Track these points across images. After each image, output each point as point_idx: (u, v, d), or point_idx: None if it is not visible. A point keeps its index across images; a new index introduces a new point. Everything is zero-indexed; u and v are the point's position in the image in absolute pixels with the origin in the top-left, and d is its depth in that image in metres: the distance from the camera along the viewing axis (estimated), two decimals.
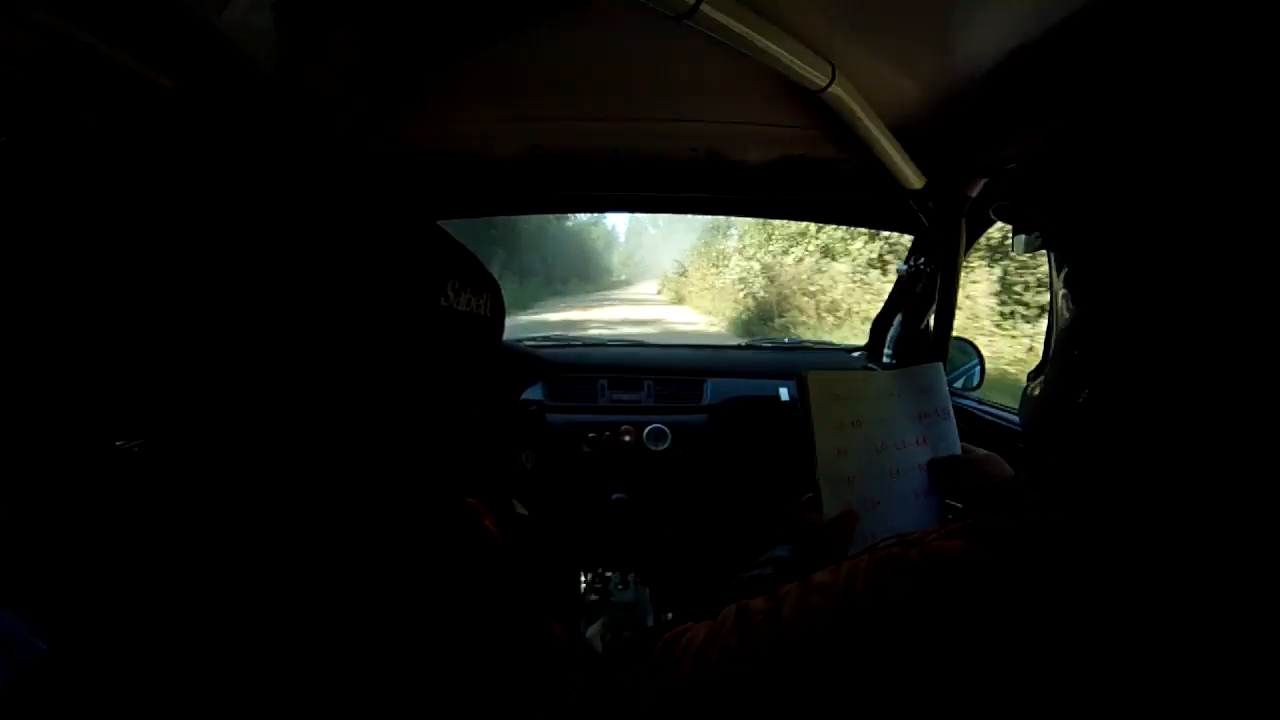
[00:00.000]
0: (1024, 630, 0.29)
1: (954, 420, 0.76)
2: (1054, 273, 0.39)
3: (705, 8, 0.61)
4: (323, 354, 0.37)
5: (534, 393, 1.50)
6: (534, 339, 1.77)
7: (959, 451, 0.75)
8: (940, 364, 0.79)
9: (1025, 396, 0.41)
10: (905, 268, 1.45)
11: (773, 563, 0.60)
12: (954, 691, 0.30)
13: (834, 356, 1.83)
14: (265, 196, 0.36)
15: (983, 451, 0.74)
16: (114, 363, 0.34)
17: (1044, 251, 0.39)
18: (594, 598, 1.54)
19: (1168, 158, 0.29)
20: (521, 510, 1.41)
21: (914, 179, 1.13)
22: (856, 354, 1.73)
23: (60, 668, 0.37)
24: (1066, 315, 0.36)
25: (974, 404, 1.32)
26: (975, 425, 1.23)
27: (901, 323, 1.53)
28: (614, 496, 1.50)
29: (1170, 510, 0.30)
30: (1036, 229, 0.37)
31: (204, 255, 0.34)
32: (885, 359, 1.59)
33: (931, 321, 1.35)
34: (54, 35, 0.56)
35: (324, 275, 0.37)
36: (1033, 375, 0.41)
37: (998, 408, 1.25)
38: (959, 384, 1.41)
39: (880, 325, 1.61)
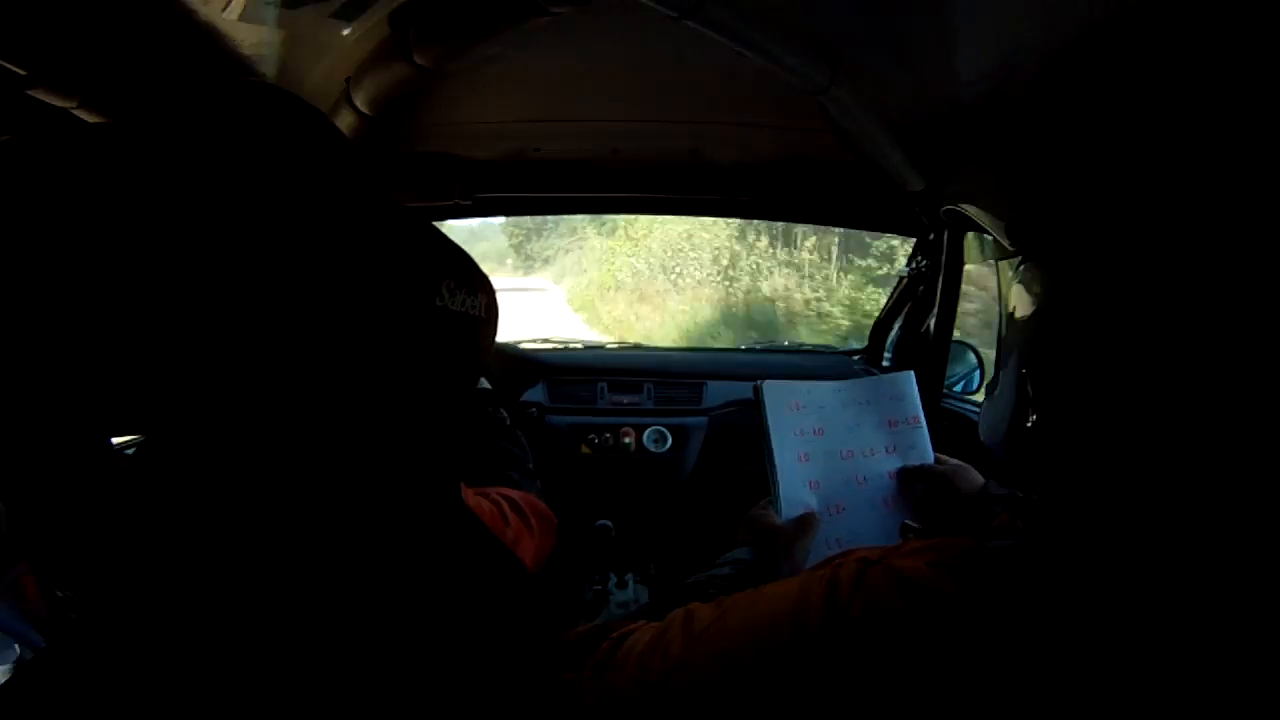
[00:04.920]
0: (981, 659, 0.28)
1: (926, 429, 0.76)
2: (1002, 280, 0.37)
3: (706, 8, 0.61)
4: (315, 353, 0.37)
5: (534, 394, 1.50)
6: (533, 341, 1.78)
7: (931, 460, 0.75)
8: (911, 373, 0.79)
9: (984, 407, 0.40)
10: (907, 271, 1.45)
11: (731, 564, 0.59)
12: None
13: (833, 360, 1.83)
14: (261, 195, 0.36)
15: (954, 461, 0.74)
16: (108, 360, 0.34)
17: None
18: (592, 598, 1.53)
19: (1165, 166, 0.27)
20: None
21: (914, 181, 1.13)
22: (857, 357, 1.72)
23: (60, 666, 0.36)
24: (1016, 329, 0.34)
25: (973, 408, 1.31)
26: (972, 428, 1.22)
27: (902, 326, 1.53)
28: (598, 523, 1.50)
29: (1129, 534, 0.29)
30: (994, 229, 0.35)
31: (199, 253, 0.34)
32: (885, 362, 1.59)
33: (932, 325, 1.35)
34: (54, 34, 0.56)
35: (317, 274, 0.37)
36: (990, 387, 0.39)
37: None
38: (958, 388, 1.41)
39: (881, 329, 1.61)
